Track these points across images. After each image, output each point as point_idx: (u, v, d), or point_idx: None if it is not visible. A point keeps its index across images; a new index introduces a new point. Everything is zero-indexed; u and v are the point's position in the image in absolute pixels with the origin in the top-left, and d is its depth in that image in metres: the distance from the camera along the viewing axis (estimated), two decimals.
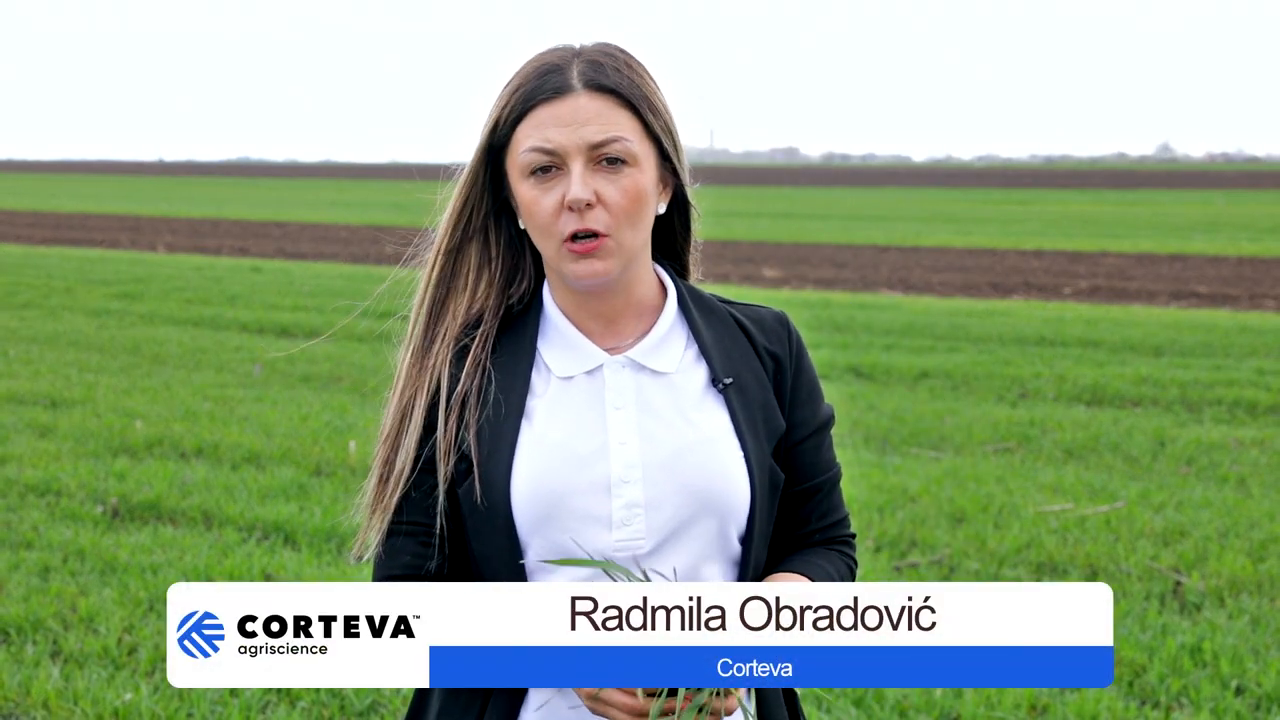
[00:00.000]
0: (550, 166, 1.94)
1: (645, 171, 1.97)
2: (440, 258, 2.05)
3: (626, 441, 1.97)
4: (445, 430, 1.99)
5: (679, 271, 2.15)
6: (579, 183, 1.92)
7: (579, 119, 1.93)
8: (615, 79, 1.96)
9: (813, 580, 1.98)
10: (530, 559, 1.97)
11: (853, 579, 2.07)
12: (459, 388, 2.00)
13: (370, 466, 2.05)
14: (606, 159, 1.94)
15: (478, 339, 2.03)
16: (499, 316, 2.06)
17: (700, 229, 2.14)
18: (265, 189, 73.38)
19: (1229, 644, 5.43)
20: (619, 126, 1.94)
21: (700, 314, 2.08)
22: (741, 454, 1.99)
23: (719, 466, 1.98)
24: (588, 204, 1.93)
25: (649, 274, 2.07)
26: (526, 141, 1.95)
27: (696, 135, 2.08)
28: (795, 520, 2.10)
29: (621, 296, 2.04)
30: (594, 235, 1.94)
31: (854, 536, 2.15)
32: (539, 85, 1.95)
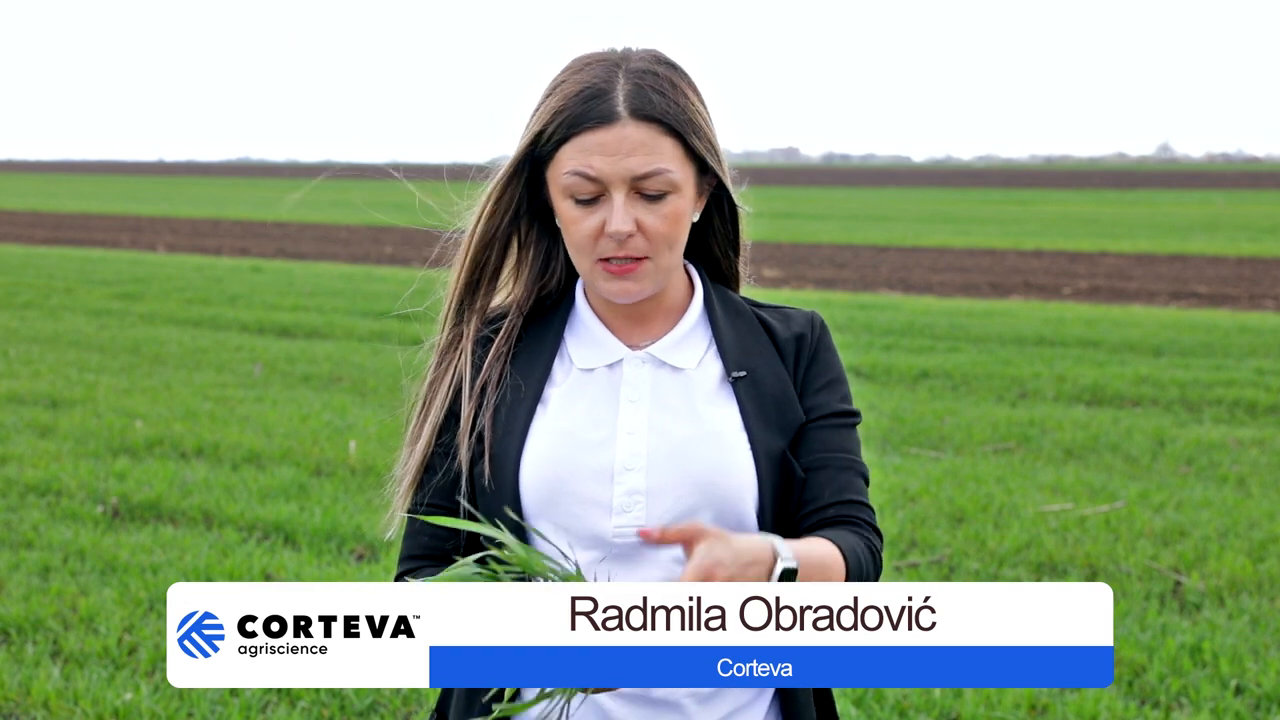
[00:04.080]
0: (593, 194, 1.97)
1: (685, 195, 1.99)
2: (470, 254, 2.09)
3: (634, 432, 2.01)
4: (465, 416, 2.04)
5: (719, 274, 2.16)
6: (620, 214, 1.95)
7: (623, 149, 1.95)
8: (661, 106, 1.97)
9: (838, 547, 1.94)
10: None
11: (874, 560, 2.02)
12: (480, 376, 2.06)
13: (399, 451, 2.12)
14: (648, 193, 1.96)
15: (503, 330, 2.08)
16: (527, 309, 2.11)
17: (749, 230, 2.15)
18: (265, 189, 73.38)
19: (1229, 644, 5.44)
20: (662, 157, 1.96)
21: (725, 313, 2.11)
22: (749, 447, 2.00)
23: (723, 459, 1.99)
24: (629, 234, 1.96)
25: (679, 277, 2.10)
26: (570, 164, 1.97)
27: None
28: (809, 498, 2.05)
29: (651, 300, 2.07)
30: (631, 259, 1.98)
31: (878, 531, 2.08)
32: (584, 111, 1.96)
